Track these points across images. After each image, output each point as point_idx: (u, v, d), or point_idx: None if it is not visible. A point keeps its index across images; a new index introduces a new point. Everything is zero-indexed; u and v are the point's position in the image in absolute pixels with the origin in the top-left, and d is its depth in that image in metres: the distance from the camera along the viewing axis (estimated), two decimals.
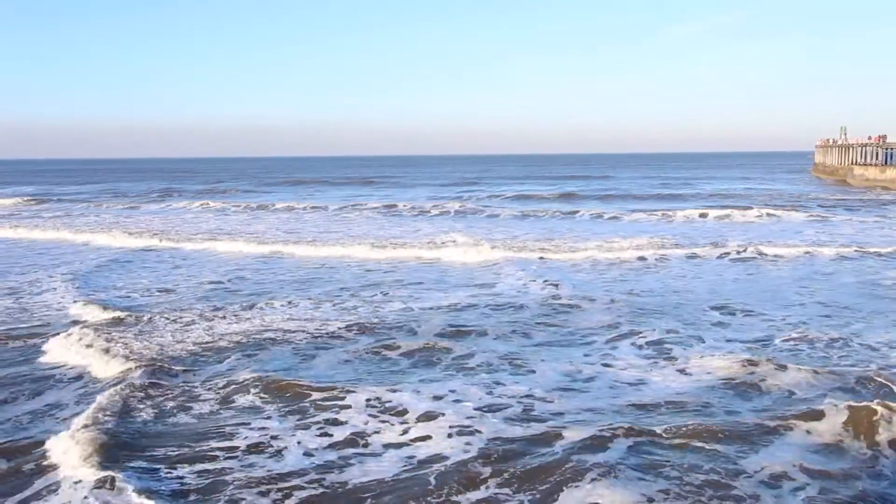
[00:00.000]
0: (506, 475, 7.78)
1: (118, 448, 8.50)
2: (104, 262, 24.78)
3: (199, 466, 8.19)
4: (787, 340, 12.99)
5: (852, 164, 70.40)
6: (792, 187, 65.59)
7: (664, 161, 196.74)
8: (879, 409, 8.83)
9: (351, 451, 8.53)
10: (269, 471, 8.05)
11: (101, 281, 21.02)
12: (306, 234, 32.66)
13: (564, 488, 7.46)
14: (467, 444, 8.55)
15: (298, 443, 8.77)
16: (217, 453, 8.53)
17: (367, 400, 10.00)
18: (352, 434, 8.96)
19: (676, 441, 8.45)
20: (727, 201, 47.66)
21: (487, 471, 7.88)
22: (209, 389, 10.73)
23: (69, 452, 8.29)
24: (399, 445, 8.61)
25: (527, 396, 10.21)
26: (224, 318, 15.45)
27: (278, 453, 8.50)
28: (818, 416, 8.99)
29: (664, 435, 8.61)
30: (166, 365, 11.96)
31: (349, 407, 9.78)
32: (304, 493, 7.55)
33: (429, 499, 7.40)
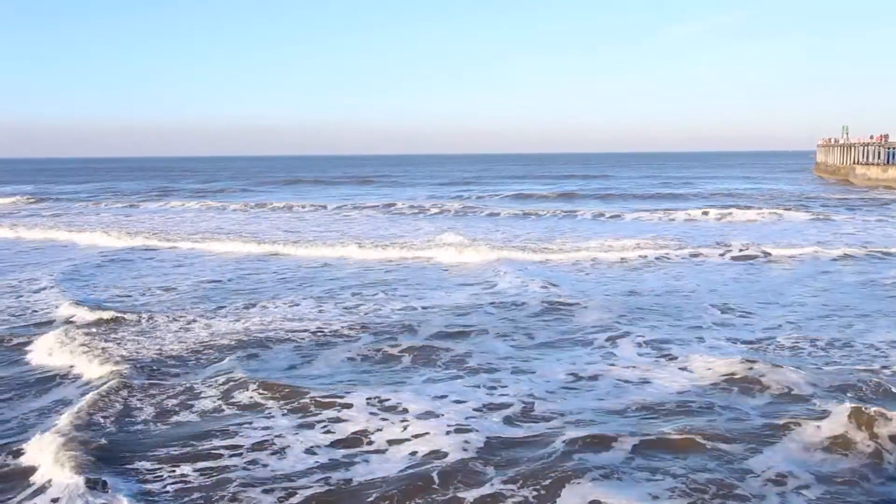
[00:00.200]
0: (509, 473, 7.73)
1: (98, 451, 8.34)
2: (97, 262, 24.70)
3: (200, 465, 8.12)
4: (789, 340, 12.92)
5: (854, 163, 70.27)
6: (793, 187, 65.48)
7: (665, 161, 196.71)
8: (882, 410, 8.72)
9: (354, 450, 8.46)
10: (272, 470, 8.00)
11: (93, 281, 20.94)
12: (305, 234, 32.62)
13: (568, 486, 7.41)
14: (470, 442, 8.49)
15: (300, 443, 8.70)
16: (221, 451, 8.47)
17: (368, 400, 9.93)
18: (353, 433, 8.87)
19: (680, 440, 8.40)
20: (728, 201, 47.55)
21: (490, 469, 7.84)
22: (209, 387, 10.66)
23: (48, 456, 8.09)
24: (401, 444, 8.53)
25: (528, 396, 10.16)
26: (216, 318, 15.41)
27: (281, 451, 8.44)
28: (822, 416, 8.92)
29: (668, 434, 8.56)
30: (154, 366, 11.87)
31: (350, 406, 9.70)
32: (308, 492, 7.49)
33: (433, 496, 7.37)
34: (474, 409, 9.63)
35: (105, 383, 10.75)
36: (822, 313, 15.09)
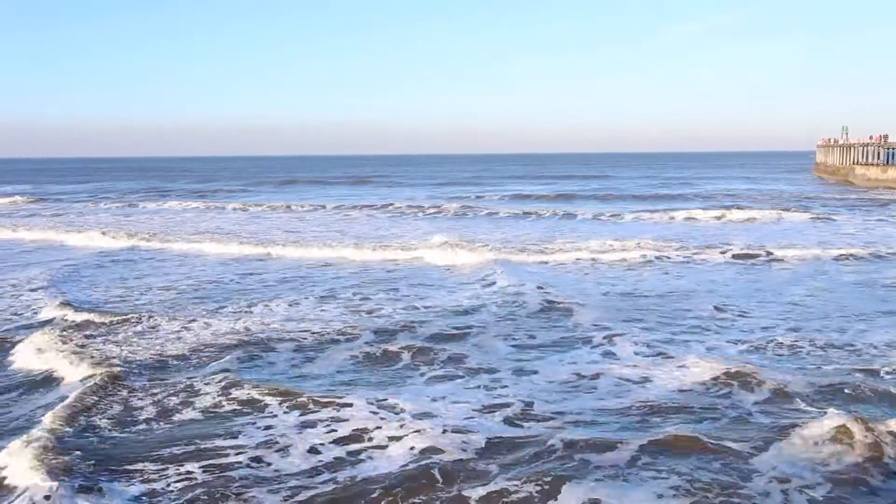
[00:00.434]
0: (511, 472, 7.73)
1: (74, 458, 8.16)
2: (95, 263, 24.68)
3: (192, 466, 8.08)
4: (788, 340, 12.88)
5: (854, 163, 70.23)
6: (793, 187, 65.45)
7: (664, 161, 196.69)
8: (882, 411, 8.66)
9: (356, 449, 8.43)
10: (275, 469, 7.97)
11: (90, 281, 20.91)
12: (304, 234, 32.61)
13: (569, 486, 7.39)
14: (470, 442, 8.48)
15: (303, 443, 8.66)
16: (226, 451, 8.42)
17: (369, 400, 9.90)
18: (355, 433, 8.83)
19: (682, 440, 8.38)
20: (728, 201, 47.52)
21: (493, 468, 7.85)
22: (208, 385, 10.59)
23: (22, 462, 7.86)
24: (402, 443, 8.50)
25: (529, 396, 10.14)
26: (214, 318, 15.38)
27: (284, 449, 8.41)
28: (822, 416, 8.88)
29: (670, 434, 8.56)
30: (149, 366, 11.83)
31: (351, 405, 9.67)
32: (312, 492, 7.48)
33: (436, 493, 7.37)
34: (474, 410, 9.62)
35: (88, 385, 10.54)
36: (822, 313, 15.06)
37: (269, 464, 8.15)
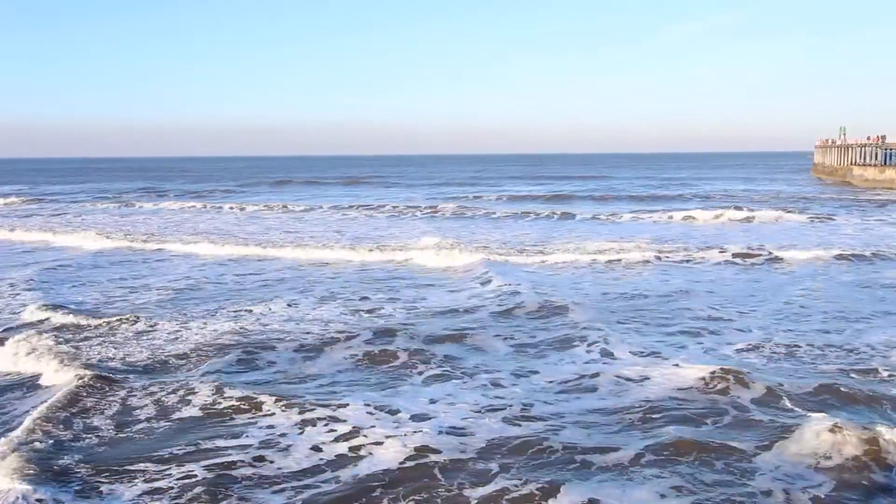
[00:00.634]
0: (511, 472, 7.75)
1: (50, 463, 8.08)
2: (92, 264, 24.63)
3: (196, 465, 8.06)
4: (786, 340, 12.89)
5: (851, 164, 70.27)
6: (791, 188, 65.49)
7: (664, 161, 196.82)
8: (880, 413, 8.65)
9: (353, 450, 8.41)
10: (280, 469, 7.90)
11: (85, 282, 20.87)
12: (300, 235, 32.57)
13: (571, 486, 7.39)
14: (470, 442, 8.49)
15: (302, 444, 8.65)
16: (227, 451, 8.39)
17: (367, 401, 9.91)
18: (353, 433, 8.81)
19: (682, 440, 8.40)
20: (726, 202, 47.50)
21: (493, 467, 7.87)
22: (203, 386, 10.54)
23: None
24: (402, 443, 8.49)
25: (528, 396, 10.15)
26: (194, 322, 15.27)
27: (285, 450, 8.40)
28: (821, 417, 8.89)
29: (670, 434, 8.59)
30: (142, 368, 11.80)
31: (348, 406, 9.65)
32: (314, 491, 7.47)
33: (437, 491, 7.40)
34: (473, 410, 9.62)
35: (71, 389, 10.39)
36: (820, 314, 15.07)
37: (271, 461, 8.14)
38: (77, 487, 7.59)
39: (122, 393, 10.43)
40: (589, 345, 12.73)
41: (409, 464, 8.00)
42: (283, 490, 7.55)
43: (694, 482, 7.52)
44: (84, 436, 8.95)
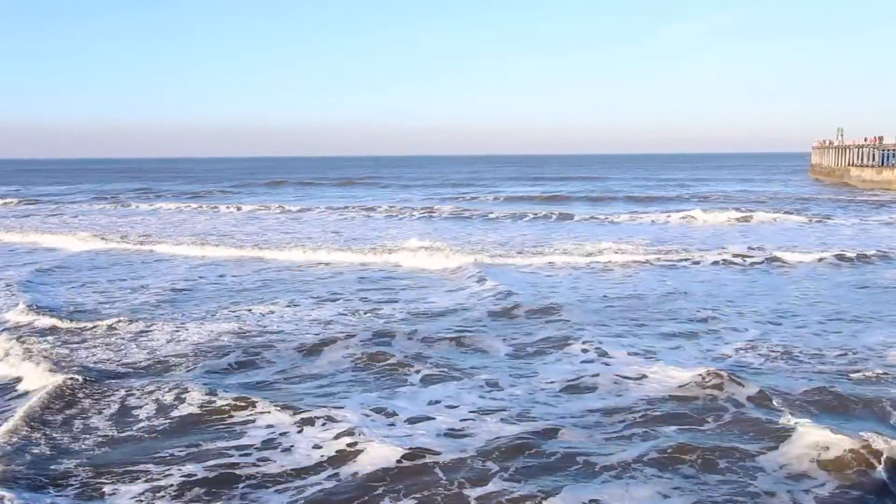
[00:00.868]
0: (510, 471, 7.76)
1: (25, 468, 8.00)
2: (81, 265, 24.53)
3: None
4: (784, 342, 12.91)
5: (849, 165, 70.38)
6: (789, 189, 65.59)
7: (664, 162, 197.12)
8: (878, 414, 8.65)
9: (353, 449, 8.42)
10: (280, 469, 7.82)
11: (80, 283, 20.82)
12: (297, 236, 32.52)
13: (572, 486, 7.41)
14: (470, 442, 8.50)
15: (302, 444, 8.63)
16: (229, 453, 8.33)
17: (364, 403, 9.92)
18: (353, 433, 8.79)
19: (683, 441, 8.41)
20: (725, 204, 47.58)
21: (492, 467, 7.88)
22: (196, 388, 10.51)
23: None
24: (402, 443, 8.48)
25: (526, 397, 10.16)
26: (191, 323, 15.24)
27: (284, 451, 8.35)
28: (814, 423, 8.90)
29: (670, 434, 8.61)
30: (119, 374, 11.72)
31: (345, 406, 9.65)
32: (315, 489, 7.47)
33: (437, 491, 7.41)
34: (470, 411, 9.62)
35: (52, 391, 10.31)
36: (818, 315, 15.09)
37: (271, 462, 8.13)
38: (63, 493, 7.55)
39: (122, 392, 10.41)
40: (586, 346, 12.71)
41: (407, 463, 7.99)
42: (283, 490, 7.55)
43: (694, 483, 7.53)
44: (64, 437, 8.94)
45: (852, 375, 10.85)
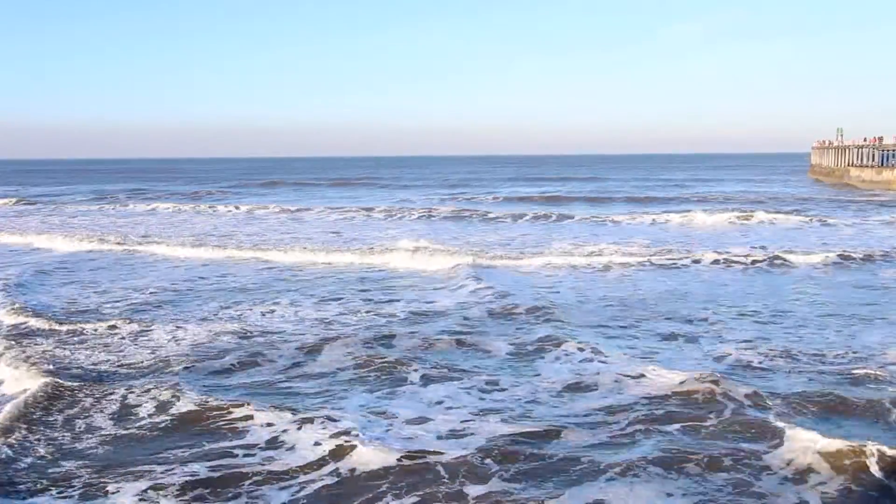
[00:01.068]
0: (510, 472, 7.75)
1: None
2: (80, 266, 24.51)
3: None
4: (783, 343, 12.91)
5: (849, 165, 70.40)
6: (789, 189, 65.59)
7: (663, 162, 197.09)
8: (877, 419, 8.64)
9: (352, 450, 8.39)
10: (280, 468, 7.82)
11: (69, 285, 20.77)
12: (296, 237, 32.51)
13: (574, 486, 7.41)
14: (470, 442, 8.50)
15: (300, 444, 8.63)
16: (230, 453, 8.30)
17: (363, 403, 9.92)
18: (351, 434, 8.77)
19: (691, 439, 8.43)
20: (724, 204, 47.55)
21: (493, 466, 7.88)
22: (191, 389, 10.51)
23: None
24: (402, 442, 8.48)
25: (526, 397, 10.16)
26: (190, 323, 15.21)
27: (284, 451, 8.33)
28: (823, 417, 8.95)
29: (670, 434, 8.62)
30: (116, 374, 11.71)
31: (341, 408, 9.65)
32: (317, 486, 7.48)
33: (437, 491, 7.41)
34: (470, 412, 9.62)
35: (36, 394, 10.21)
36: (817, 315, 15.09)
37: (270, 462, 8.13)
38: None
39: (122, 391, 10.41)
40: (586, 346, 12.70)
41: (408, 463, 7.99)
42: (285, 488, 7.56)
43: (699, 483, 7.53)
44: (65, 438, 8.93)
45: (852, 376, 10.85)
